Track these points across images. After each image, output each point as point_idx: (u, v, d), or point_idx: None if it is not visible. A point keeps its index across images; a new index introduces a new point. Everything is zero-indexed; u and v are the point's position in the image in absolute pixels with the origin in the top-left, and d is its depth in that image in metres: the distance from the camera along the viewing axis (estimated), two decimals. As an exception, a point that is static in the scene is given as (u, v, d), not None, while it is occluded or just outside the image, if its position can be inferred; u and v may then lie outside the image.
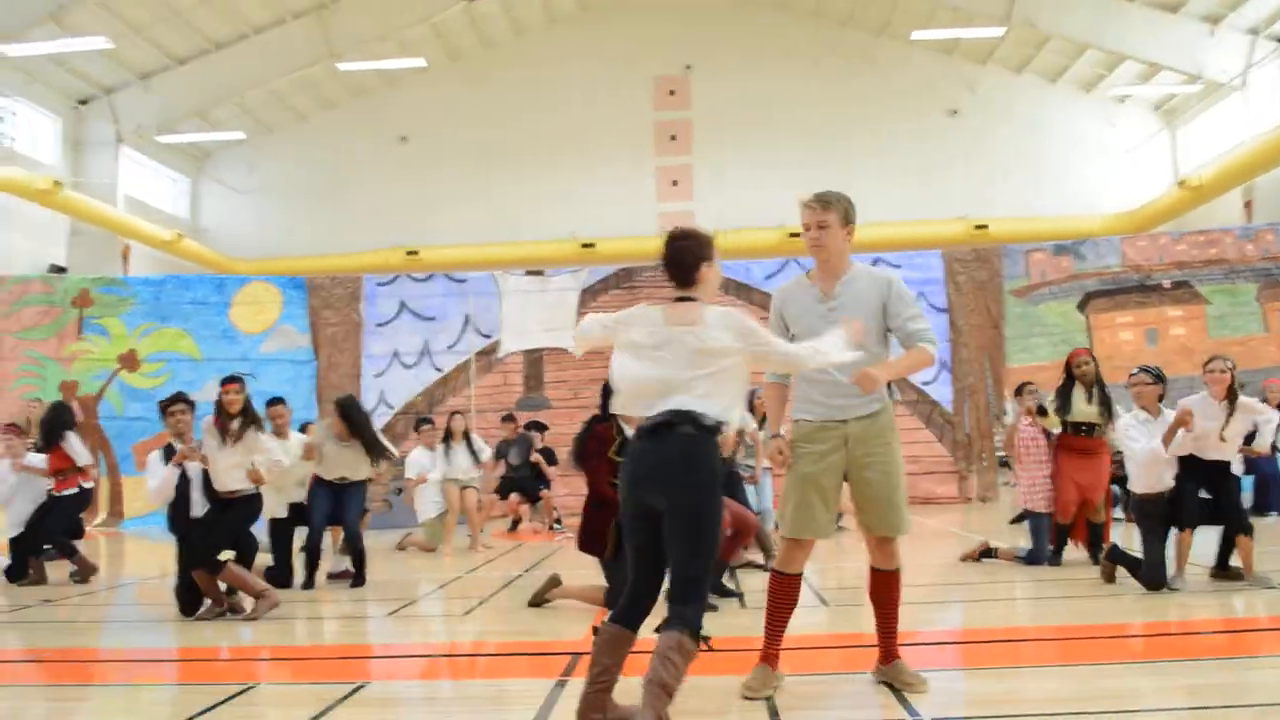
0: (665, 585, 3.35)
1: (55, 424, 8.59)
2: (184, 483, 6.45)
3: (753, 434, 8.56)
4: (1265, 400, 9.04)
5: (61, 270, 20.96)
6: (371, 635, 6.16)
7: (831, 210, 3.92)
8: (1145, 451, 6.11)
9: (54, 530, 8.35)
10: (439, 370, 14.76)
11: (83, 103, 23.94)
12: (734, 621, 5.48)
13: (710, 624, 5.50)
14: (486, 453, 10.53)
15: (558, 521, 11.72)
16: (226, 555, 6.30)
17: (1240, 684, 3.93)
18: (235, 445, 6.38)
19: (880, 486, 3.86)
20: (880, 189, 24.53)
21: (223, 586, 6.29)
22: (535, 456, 11.52)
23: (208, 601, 6.29)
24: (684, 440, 3.29)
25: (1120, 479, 8.68)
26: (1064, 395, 7.40)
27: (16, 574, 8.18)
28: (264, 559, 7.31)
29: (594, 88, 26.42)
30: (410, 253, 24.55)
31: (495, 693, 4.32)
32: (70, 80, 23.04)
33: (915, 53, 25.40)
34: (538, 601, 6.24)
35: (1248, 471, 9.53)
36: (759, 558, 7.54)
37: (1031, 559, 7.40)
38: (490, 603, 6.76)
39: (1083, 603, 5.95)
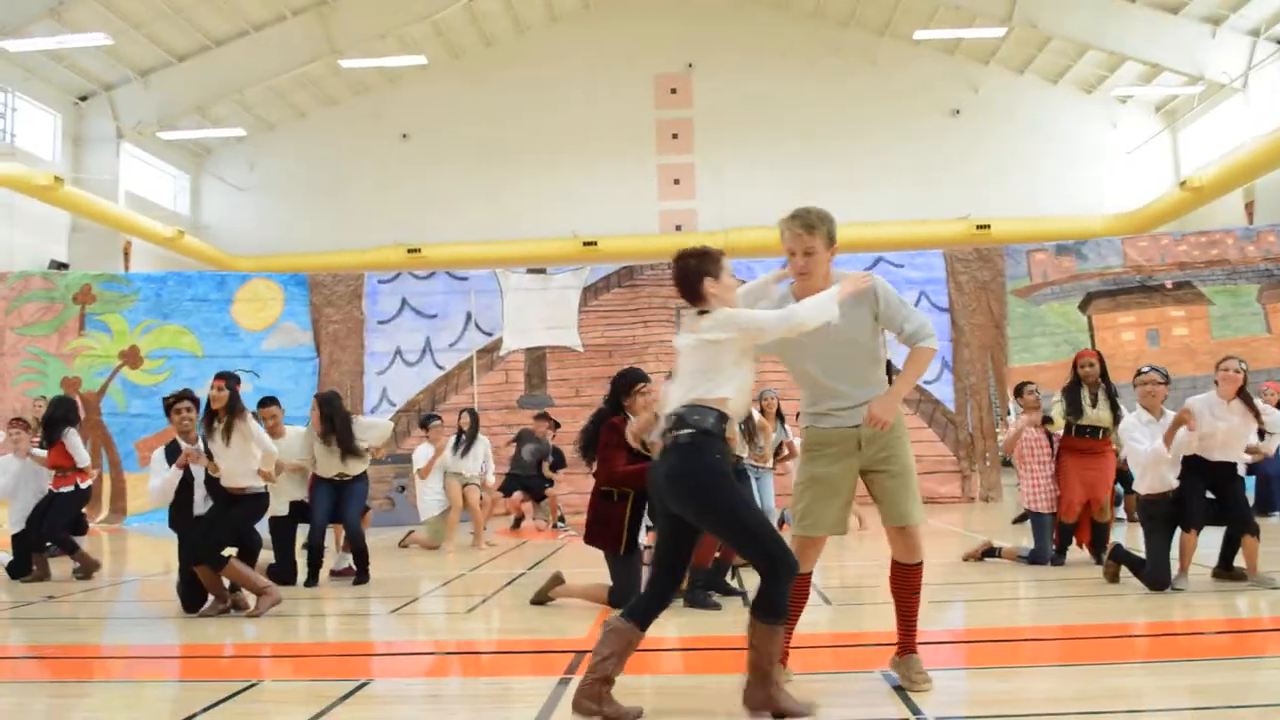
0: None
1: (58, 419, 8.54)
2: (186, 483, 6.44)
3: (761, 423, 8.54)
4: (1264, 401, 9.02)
5: (63, 266, 20.95)
6: (374, 633, 6.15)
7: (817, 235, 3.79)
8: (1149, 452, 6.12)
9: (55, 528, 8.34)
10: (441, 368, 14.77)
11: (83, 99, 23.94)
12: (737, 620, 5.46)
13: (713, 623, 5.56)
14: (491, 474, 10.55)
15: (561, 520, 11.72)
16: (228, 551, 6.29)
17: (1244, 684, 3.93)
18: (230, 439, 6.35)
19: (897, 479, 3.89)
20: (881, 189, 24.60)
21: (226, 583, 6.29)
22: (544, 466, 11.49)
23: (211, 598, 6.28)
24: (679, 450, 3.50)
25: (1122, 478, 8.69)
26: (1073, 398, 7.37)
27: (19, 570, 8.18)
28: (266, 556, 7.30)
29: (595, 86, 26.42)
30: (412, 250, 24.56)
31: (498, 690, 4.32)
32: (70, 76, 23.05)
33: (917, 53, 25.41)
34: (540, 599, 6.24)
35: (1249, 471, 9.52)
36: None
37: (1034, 559, 7.40)
38: (493, 600, 6.76)
39: (1086, 602, 5.95)
